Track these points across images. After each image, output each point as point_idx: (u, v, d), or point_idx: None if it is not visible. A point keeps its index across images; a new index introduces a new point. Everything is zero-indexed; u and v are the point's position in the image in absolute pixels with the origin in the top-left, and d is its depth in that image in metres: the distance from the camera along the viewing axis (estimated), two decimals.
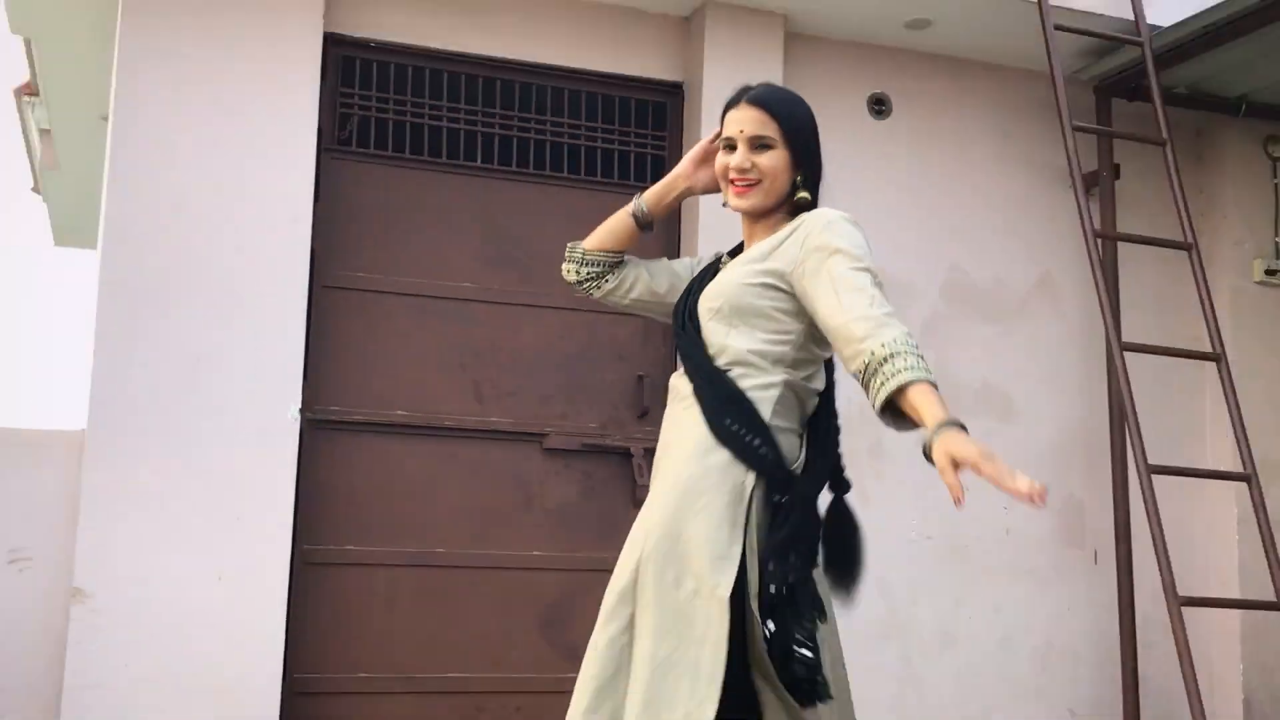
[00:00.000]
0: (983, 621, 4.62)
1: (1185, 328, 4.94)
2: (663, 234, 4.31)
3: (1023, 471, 1.91)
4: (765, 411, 2.31)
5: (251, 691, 3.74)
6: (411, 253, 4.25)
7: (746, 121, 2.41)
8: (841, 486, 2.43)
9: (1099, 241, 4.38)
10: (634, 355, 4.43)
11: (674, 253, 4.24)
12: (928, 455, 2.00)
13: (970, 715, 4.55)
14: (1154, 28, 4.56)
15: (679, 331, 2.49)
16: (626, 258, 2.69)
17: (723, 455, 2.28)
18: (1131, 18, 4.55)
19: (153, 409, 3.77)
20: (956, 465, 1.94)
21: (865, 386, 2.13)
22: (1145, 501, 3.99)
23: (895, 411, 2.10)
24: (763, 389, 2.32)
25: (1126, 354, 4.22)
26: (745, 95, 2.44)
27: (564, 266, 2.69)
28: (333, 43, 4.18)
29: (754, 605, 2.21)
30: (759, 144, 2.40)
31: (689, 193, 2.65)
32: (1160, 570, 3.93)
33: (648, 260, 2.71)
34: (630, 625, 2.24)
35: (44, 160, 5.98)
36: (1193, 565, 4.83)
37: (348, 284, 4.15)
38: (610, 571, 2.33)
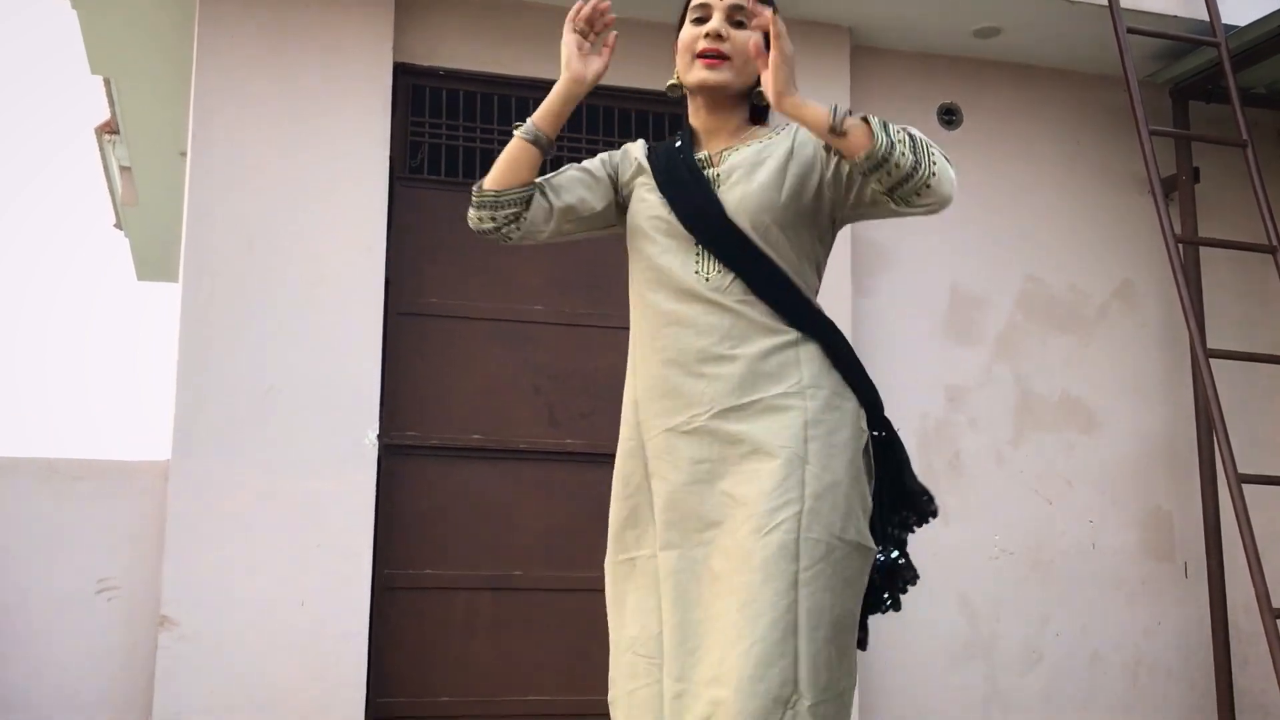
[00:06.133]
0: (1070, 638, 4.53)
1: (1270, 333, 4.82)
2: None
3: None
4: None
5: (335, 716, 3.78)
6: (484, 278, 4.28)
7: None
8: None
9: (1180, 246, 4.30)
10: None
11: None
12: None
13: None
14: (1229, 28, 4.47)
15: (727, 239, 2.24)
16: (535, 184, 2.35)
17: (835, 380, 2.13)
18: (1206, 18, 4.46)
19: (234, 438, 3.83)
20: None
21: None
22: (1236, 511, 3.90)
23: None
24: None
25: (1212, 360, 4.13)
26: None
27: (474, 215, 2.31)
28: (402, 72, 4.24)
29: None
30: (736, 18, 2.22)
31: (583, 91, 2.32)
32: (1253, 582, 3.83)
33: (549, 178, 2.36)
34: (795, 584, 1.98)
35: (125, 196, 6.12)
36: None
37: (422, 310, 4.19)
38: None
